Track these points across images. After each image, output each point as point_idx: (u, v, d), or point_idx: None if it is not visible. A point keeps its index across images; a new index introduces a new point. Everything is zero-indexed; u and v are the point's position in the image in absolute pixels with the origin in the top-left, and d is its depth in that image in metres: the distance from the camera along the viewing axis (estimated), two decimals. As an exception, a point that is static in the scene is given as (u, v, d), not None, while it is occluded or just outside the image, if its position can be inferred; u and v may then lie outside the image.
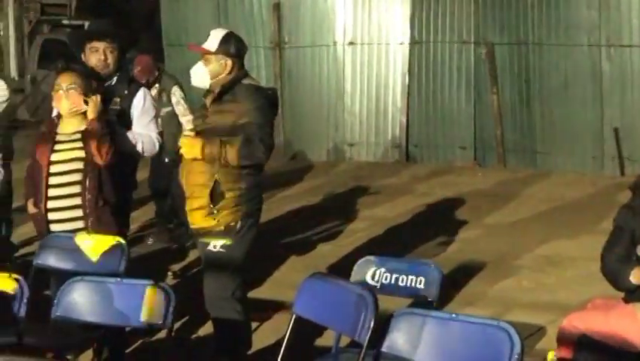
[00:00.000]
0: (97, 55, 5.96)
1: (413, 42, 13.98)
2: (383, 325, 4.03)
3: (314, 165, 13.98)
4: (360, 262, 5.09)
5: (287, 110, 14.27)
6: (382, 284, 4.97)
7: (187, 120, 8.65)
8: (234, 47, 5.56)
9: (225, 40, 5.55)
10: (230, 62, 5.55)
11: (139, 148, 5.91)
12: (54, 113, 5.76)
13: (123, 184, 5.83)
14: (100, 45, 5.95)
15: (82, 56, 6.10)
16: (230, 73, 5.56)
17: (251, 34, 14.13)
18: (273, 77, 14.46)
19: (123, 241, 5.31)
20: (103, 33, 6.06)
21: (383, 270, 5.02)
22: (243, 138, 5.38)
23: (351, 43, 14.35)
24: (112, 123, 5.68)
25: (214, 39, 5.57)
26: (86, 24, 20.21)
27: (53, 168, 5.52)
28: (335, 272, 7.02)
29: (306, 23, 14.58)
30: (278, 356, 4.39)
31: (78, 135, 5.54)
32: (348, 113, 14.43)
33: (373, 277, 5.00)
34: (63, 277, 4.93)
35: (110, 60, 5.98)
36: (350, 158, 14.44)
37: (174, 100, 9.06)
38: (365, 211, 10.60)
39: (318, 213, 10.61)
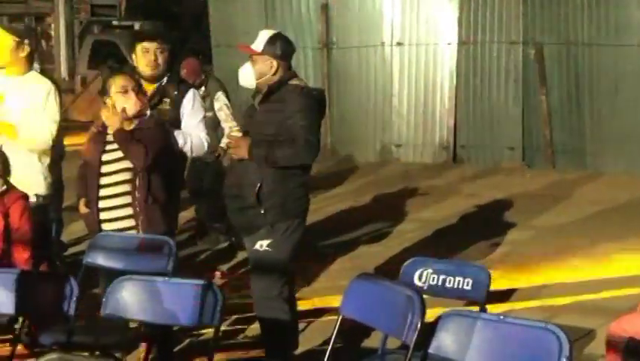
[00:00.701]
0: (148, 56, 6.00)
1: (461, 42, 13.93)
2: (430, 326, 4.02)
3: (361, 166, 13.97)
4: (407, 263, 5.07)
5: (334, 111, 14.28)
6: (429, 285, 4.95)
7: (228, 127, 8.66)
8: (280, 48, 5.58)
9: (271, 42, 5.57)
10: (275, 63, 5.56)
11: (188, 148, 5.95)
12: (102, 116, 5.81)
13: (172, 184, 5.87)
14: (151, 46, 6.00)
15: (132, 56, 6.16)
16: (275, 73, 5.57)
17: (298, 34, 14.16)
18: (321, 77, 14.48)
19: (171, 241, 5.35)
20: (154, 34, 6.11)
21: (431, 271, 4.99)
22: (289, 139, 5.39)
23: (399, 43, 14.33)
24: (162, 124, 5.72)
25: (261, 40, 5.59)
26: (136, 25, 20.47)
27: (104, 168, 5.57)
28: (382, 273, 7.01)
29: (353, 24, 14.59)
30: (324, 357, 4.39)
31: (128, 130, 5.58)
32: (396, 114, 14.40)
33: (420, 279, 4.98)
34: (112, 275, 4.97)
35: (160, 61, 6.03)
36: (397, 159, 14.41)
37: (217, 106, 9.00)
38: (413, 213, 10.57)
39: (366, 214, 10.60)
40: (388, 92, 14.42)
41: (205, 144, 6.08)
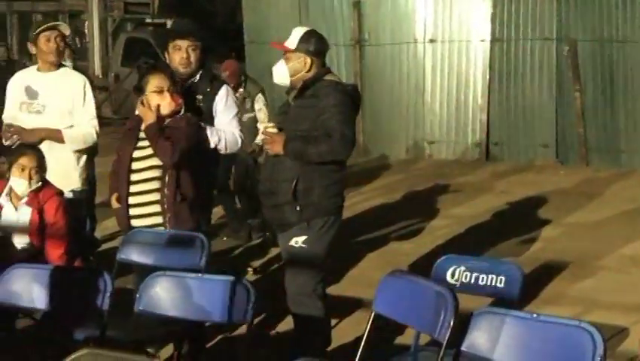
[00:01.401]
0: (180, 53, 6.03)
1: (494, 39, 13.86)
2: (463, 324, 4.01)
3: (393, 163, 13.96)
4: (440, 260, 5.06)
5: (366, 107, 14.26)
6: (462, 283, 4.93)
7: (264, 126, 8.71)
8: (313, 44, 5.58)
9: (305, 39, 5.58)
10: (309, 60, 5.56)
11: (222, 145, 5.96)
12: (138, 111, 5.85)
13: (205, 180, 5.89)
14: (183, 44, 6.03)
15: (165, 54, 6.19)
16: (309, 70, 5.57)
17: (331, 31, 14.17)
18: (353, 74, 14.48)
19: (203, 237, 5.36)
20: (186, 32, 6.13)
21: (463, 268, 4.98)
22: (324, 135, 5.39)
23: (431, 40, 14.29)
24: (194, 121, 5.73)
25: (294, 37, 5.60)
26: (169, 22, 20.53)
27: (135, 165, 5.60)
28: (415, 270, 7.00)
29: (386, 21, 14.57)
30: (357, 354, 4.39)
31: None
32: (429, 110, 14.37)
33: (452, 276, 4.96)
34: (145, 271, 5.00)
35: (192, 58, 6.04)
36: (430, 156, 14.38)
37: (257, 107, 9.25)
38: (445, 209, 10.55)
39: (398, 211, 10.59)
40: (421, 89, 14.40)
41: (239, 140, 6.10)
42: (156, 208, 5.59)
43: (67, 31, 6.63)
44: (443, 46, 14.24)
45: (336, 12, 14.79)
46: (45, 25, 6.50)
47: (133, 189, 5.61)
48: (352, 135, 5.48)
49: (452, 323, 3.95)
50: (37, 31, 6.42)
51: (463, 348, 4.00)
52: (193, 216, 5.62)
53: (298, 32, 5.63)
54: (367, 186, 11.85)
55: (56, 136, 6.34)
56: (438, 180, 12.32)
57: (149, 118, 5.54)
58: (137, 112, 5.71)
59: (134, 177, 5.60)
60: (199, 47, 6.07)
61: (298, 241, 5.52)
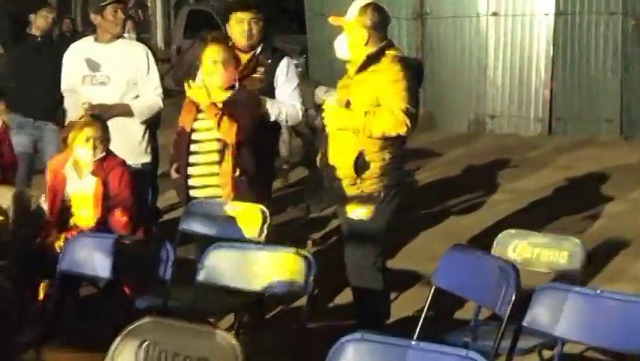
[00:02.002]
0: (242, 25, 6.03)
1: (558, 13, 13.66)
2: (524, 299, 3.98)
3: (454, 138, 13.87)
4: (501, 235, 5.03)
5: (428, 81, 14.09)
6: (523, 258, 4.90)
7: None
8: (371, 18, 5.52)
9: (363, 12, 5.53)
10: (366, 33, 5.52)
11: (282, 117, 5.97)
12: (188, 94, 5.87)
13: (263, 154, 5.90)
14: (245, 16, 6.02)
15: (227, 26, 6.19)
16: (367, 44, 5.53)
17: (393, 5, 14.02)
18: (414, 48, 14.38)
19: (264, 209, 5.38)
20: (248, 4, 6.13)
21: (525, 244, 4.95)
22: (386, 109, 5.36)
23: (494, 14, 14.13)
24: (254, 95, 5.75)
25: (352, 10, 5.56)
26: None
27: (195, 136, 5.64)
28: (476, 245, 6.97)
29: (448, -6, 14.45)
30: (416, 327, 4.39)
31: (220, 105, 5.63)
32: (490, 84, 14.24)
33: (514, 251, 4.94)
34: (207, 242, 5.03)
35: (254, 31, 6.04)
36: (491, 130, 14.27)
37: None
38: (506, 184, 10.46)
39: (459, 185, 10.54)
40: (483, 63, 14.26)
41: (300, 113, 6.10)
42: (216, 180, 5.62)
43: (130, 3, 6.68)
44: (506, 19, 14.07)
45: (398, -16, 14.70)
46: None
47: (193, 160, 5.65)
48: (414, 111, 5.45)
49: (513, 298, 3.94)
50: (105, 3, 6.42)
51: (524, 323, 3.98)
52: (252, 190, 5.64)
53: (357, 5, 5.59)
54: (427, 161, 11.80)
55: (127, 110, 6.38)
56: (499, 155, 12.22)
57: (203, 98, 5.55)
58: (188, 95, 5.70)
59: (194, 148, 5.64)
60: (261, 19, 6.06)
61: (358, 215, 5.52)
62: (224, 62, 5.63)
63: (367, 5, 5.59)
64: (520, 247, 4.94)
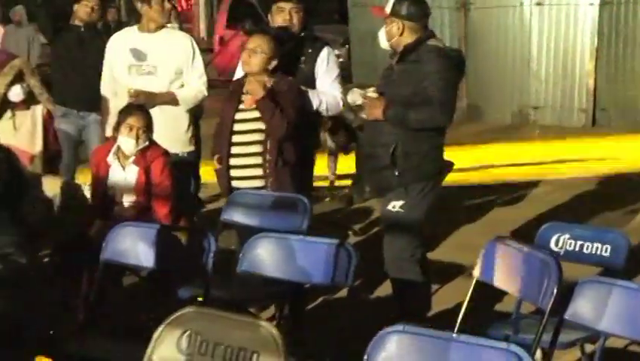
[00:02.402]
0: (283, 15, 6.04)
1: (603, 3, 13.54)
2: (567, 292, 3.96)
3: (497, 129, 13.80)
4: (544, 227, 5.00)
5: (471, 72, 14.05)
6: (566, 251, 4.86)
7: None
8: (406, 8, 5.50)
9: (398, 2, 5.52)
10: (401, 25, 5.50)
11: (323, 107, 5.96)
12: (241, 74, 5.89)
13: (305, 145, 5.91)
14: (286, 5, 6.03)
15: (269, 16, 6.20)
16: (402, 35, 5.51)
17: (436, -6, 14.06)
18: (457, 38, 14.32)
19: (306, 200, 5.39)
20: None
21: (568, 236, 4.91)
22: (425, 100, 5.34)
23: (538, 3, 14.04)
24: (296, 87, 5.75)
25: (390, 1, 5.56)
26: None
27: (237, 127, 5.65)
28: (517, 237, 6.92)
29: (492, -16, 14.36)
30: (457, 319, 4.38)
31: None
32: (534, 76, 14.15)
33: (557, 244, 4.90)
34: (248, 233, 5.05)
35: (295, 20, 6.04)
36: (534, 121, 14.18)
37: None
38: (549, 176, 10.39)
39: (501, 176, 10.48)
40: (526, 54, 14.17)
41: (341, 103, 6.09)
42: (258, 171, 5.63)
43: None
44: (550, 9, 13.98)
45: (441, -26, 14.63)
46: None
47: (234, 150, 5.66)
48: (452, 103, 5.42)
49: (555, 291, 3.91)
50: None
51: (566, 317, 3.96)
52: (294, 181, 5.65)
53: None
54: (469, 151, 11.74)
55: (173, 99, 6.41)
56: (543, 146, 12.14)
57: (258, 93, 5.56)
58: (247, 87, 5.71)
59: (236, 138, 5.66)
60: (301, 9, 6.07)
61: (396, 206, 5.51)
62: (263, 52, 5.63)
63: None
64: (562, 240, 4.90)
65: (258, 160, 5.62)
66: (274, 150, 5.56)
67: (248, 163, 5.65)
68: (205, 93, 6.54)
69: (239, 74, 6.02)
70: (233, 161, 5.67)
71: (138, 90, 6.28)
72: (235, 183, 5.69)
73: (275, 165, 5.57)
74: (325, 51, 6.08)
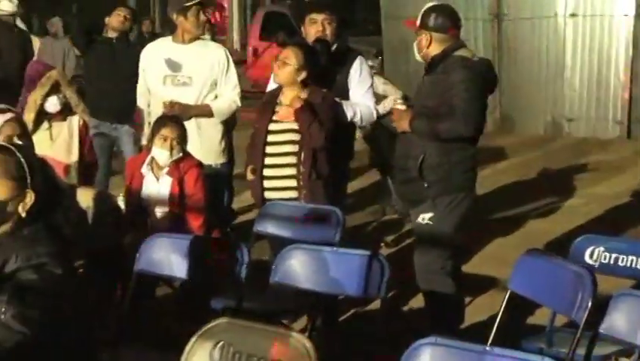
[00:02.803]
0: (316, 26, 6.06)
1: (638, 14, 13.45)
2: (601, 306, 3.93)
3: (530, 140, 13.74)
4: (578, 240, 4.97)
5: (504, 82, 14.04)
6: (601, 263, 4.83)
7: (392, 99, 8.65)
8: (434, 20, 5.49)
9: (425, 14, 5.52)
10: (429, 36, 5.50)
11: (357, 118, 5.97)
12: (274, 85, 5.91)
13: (341, 155, 5.91)
14: (319, 17, 6.05)
15: (302, 27, 6.22)
16: (429, 46, 5.51)
17: (469, 5, 14.01)
18: (491, 49, 14.28)
19: (339, 211, 5.39)
20: (322, 5, 6.16)
21: (602, 249, 4.87)
22: (449, 111, 5.33)
23: (572, 15, 13.96)
24: (331, 99, 5.76)
25: (420, 13, 5.57)
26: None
27: (270, 138, 5.67)
28: (551, 250, 6.89)
29: (526, -6, 14.31)
30: (491, 332, 4.36)
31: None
32: (568, 87, 14.07)
33: (591, 256, 4.87)
34: (281, 244, 5.06)
35: (328, 31, 6.06)
36: (568, 133, 14.10)
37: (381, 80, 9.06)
38: (583, 188, 10.33)
39: (534, 188, 10.43)
40: (561, 65, 14.10)
41: (374, 113, 6.10)
42: (292, 183, 5.64)
43: (212, 5, 6.75)
44: (584, 20, 13.90)
45: (474, -15, 14.60)
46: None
47: (268, 161, 5.68)
48: (477, 113, 5.39)
49: (590, 304, 3.89)
50: (189, 4, 6.47)
51: (601, 330, 3.93)
52: (327, 193, 5.66)
53: (424, 8, 5.60)
54: (502, 163, 11.70)
55: (206, 110, 6.45)
56: (576, 158, 12.08)
57: (296, 103, 5.58)
58: (281, 98, 5.73)
59: (269, 149, 5.67)
60: (334, 20, 6.09)
61: (425, 218, 5.49)
62: (293, 63, 5.65)
63: (431, 8, 5.58)
64: (597, 252, 4.87)
65: (292, 171, 5.64)
66: (308, 161, 5.57)
67: (282, 174, 5.67)
68: (239, 104, 6.57)
69: (272, 85, 6.04)
70: (266, 172, 5.69)
71: (173, 102, 6.31)
72: (268, 194, 5.70)
73: (309, 177, 5.58)
74: (358, 61, 6.09)
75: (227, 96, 6.52)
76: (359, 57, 6.17)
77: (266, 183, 5.71)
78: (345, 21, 6.43)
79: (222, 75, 6.50)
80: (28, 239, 3.21)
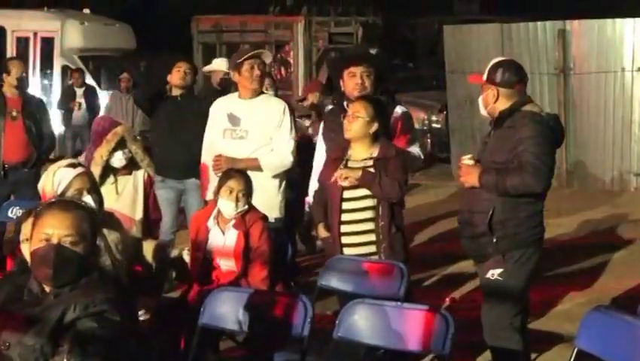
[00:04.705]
0: (354, 79, 6.11)
1: None
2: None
3: (597, 194, 13.58)
4: (646, 297, 4.89)
5: (570, 137, 13.93)
6: (671, 321, 4.74)
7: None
8: (501, 75, 5.48)
9: (493, 70, 5.51)
10: (496, 91, 5.48)
11: (407, 165, 6.01)
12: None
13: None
14: (357, 70, 6.11)
15: (340, 82, 6.26)
16: (496, 102, 5.48)
17: (534, 60, 13.97)
18: (557, 104, 14.19)
19: (403, 266, 5.37)
20: (360, 58, 6.25)
21: (672, 307, 4.79)
22: (519, 167, 5.29)
23: (639, 69, 13.85)
24: (401, 150, 5.80)
25: (486, 69, 5.57)
26: (372, 51, 20.72)
27: (347, 194, 5.69)
28: (618, 306, 6.78)
29: (592, 49, 14.21)
30: (558, 390, 4.29)
31: (369, 162, 5.67)
32: (636, 141, 13.91)
33: (661, 314, 4.78)
34: (345, 298, 5.05)
35: (367, 84, 6.12)
36: (636, 188, 13.91)
37: None
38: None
39: (599, 243, 10.29)
40: (628, 119, 13.95)
41: (421, 160, 6.23)
42: (370, 237, 5.66)
43: (268, 59, 6.82)
44: (651, 74, 13.77)
45: (540, 41, 14.54)
46: (249, 54, 6.69)
47: (346, 217, 5.69)
48: (547, 169, 5.35)
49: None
50: (241, 59, 6.61)
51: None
52: (405, 247, 5.67)
53: (490, 63, 5.60)
54: (569, 218, 11.57)
55: (254, 164, 6.49)
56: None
57: (352, 179, 5.62)
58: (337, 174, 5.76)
59: (346, 205, 5.69)
60: (372, 73, 6.13)
61: (494, 274, 5.44)
62: (363, 116, 5.68)
63: (498, 63, 5.57)
64: (667, 310, 4.78)
65: (370, 226, 5.67)
66: (386, 214, 5.59)
67: (361, 229, 5.70)
68: (291, 159, 6.60)
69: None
70: (344, 228, 5.70)
71: (218, 156, 6.42)
72: (347, 251, 5.71)
73: (389, 231, 5.60)
74: (399, 110, 6.16)
75: (279, 151, 6.58)
76: (399, 106, 6.26)
77: (345, 240, 5.72)
78: (384, 74, 6.45)
79: (276, 129, 6.57)
80: (85, 288, 3.26)
